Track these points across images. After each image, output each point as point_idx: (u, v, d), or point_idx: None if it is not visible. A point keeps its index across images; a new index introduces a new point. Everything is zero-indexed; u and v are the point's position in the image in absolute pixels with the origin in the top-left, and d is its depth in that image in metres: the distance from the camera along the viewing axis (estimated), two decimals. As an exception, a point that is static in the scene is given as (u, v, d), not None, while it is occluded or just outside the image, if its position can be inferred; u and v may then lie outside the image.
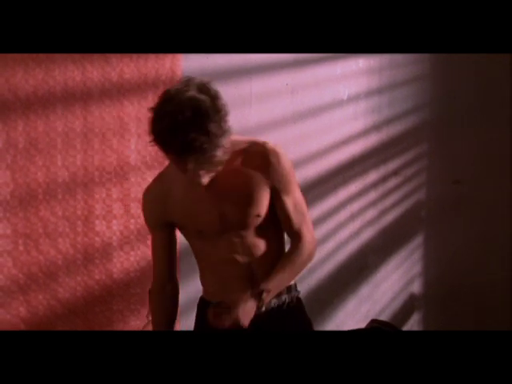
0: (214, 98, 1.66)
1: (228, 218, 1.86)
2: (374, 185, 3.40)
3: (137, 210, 2.60)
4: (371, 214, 3.39)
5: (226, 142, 1.68)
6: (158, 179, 2.00)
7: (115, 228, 2.58)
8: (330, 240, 3.22)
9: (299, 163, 2.97)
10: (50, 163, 2.44)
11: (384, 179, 3.43)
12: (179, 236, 2.02)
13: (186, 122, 1.61)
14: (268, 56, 2.86)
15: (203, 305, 2.02)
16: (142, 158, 2.61)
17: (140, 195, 2.60)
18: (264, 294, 1.82)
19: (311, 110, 3.11)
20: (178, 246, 2.04)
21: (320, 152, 3.15)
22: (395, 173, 3.47)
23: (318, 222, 3.07)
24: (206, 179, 1.75)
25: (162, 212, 1.94)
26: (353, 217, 3.33)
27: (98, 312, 2.56)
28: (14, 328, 2.38)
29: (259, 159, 1.85)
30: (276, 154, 1.85)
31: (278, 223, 1.93)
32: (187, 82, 1.68)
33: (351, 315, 3.33)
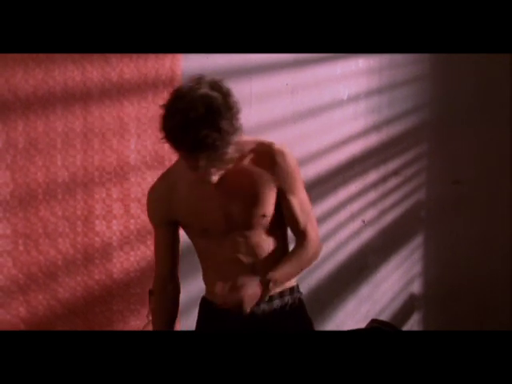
0: (226, 95, 1.67)
1: (234, 217, 1.86)
2: (374, 185, 3.40)
3: (137, 210, 2.60)
4: (371, 213, 3.39)
5: (237, 139, 1.69)
6: (164, 177, 1.99)
7: (115, 228, 2.58)
8: (330, 240, 3.21)
9: (299, 163, 2.95)
10: (49, 163, 2.44)
11: (384, 179, 3.43)
12: (180, 235, 2.02)
13: (198, 118, 1.62)
14: (268, 56, 2.86)
15: (205, 305, 2.02)
16: (142, 157, 2.61)
17: (140, 195, 2.62)
18: (271, 284, 1.81)
19: (311, 110, 3.11)
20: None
21: (320, 152, 3.15)
22: (395, 173, 3.47)
23: (318, 222, 3.05)
24: (215, 177, 1.76)
25: (166, 210, 1.93)
26: (353, 217, 3.33)
27: (97, 312, 2.56)
28: (14, 328, 2.38)
29: (266, 159, 1.86)
30: (283, 154, 1.87)
31: (283, 224, 1.94)
32: (199, 79, 1.69)
33: (351, 315, 3.32)
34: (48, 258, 2.45)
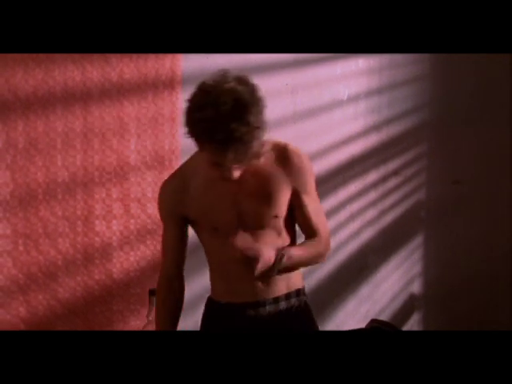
0: (253, 90, 1.69)
1: (246, 216, 1.85)
2: (374, 185, 3.40)
3: (137, 210, 2.61)
4: (371, 213, 3.39)
5: (263, 134, 1.69)
6: (178, 172, 1.98)
7: (115, 228, 2.58)
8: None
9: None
10: (49, 163, 2.44)
11: (384, 179, 3.43)
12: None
13: (227, 112, 1.62)
14: (268, 56, 2.86)
15: (211, 305, 2.01)
16: (141, 158, 2.61)
17: (140, 195, 2.62)
18: (284, 258, 1.79)
19: (311, 109, 3.11)
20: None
21: (320, 152, 3.15)
22: (395, 173, 3.47)
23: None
24: (237, 173, 1.75)
25: (178, 205, 1.92)
26: (353, 217, 3.33)
27: (97, 312, 2.56)
28: (14, 328, 2.37)
29: (281, 159, 1.87)
30: (298, 155, 1.88)
31: (293, 226, 1.94)
32: (224, 74, 1.70)
33: (351, 315, 3.32)
34: (48, 258, 2.45)
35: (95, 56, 2.48)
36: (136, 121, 2.59)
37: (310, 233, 1.92)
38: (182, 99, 2.66)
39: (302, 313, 1.97)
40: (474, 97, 3.65)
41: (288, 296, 1.93)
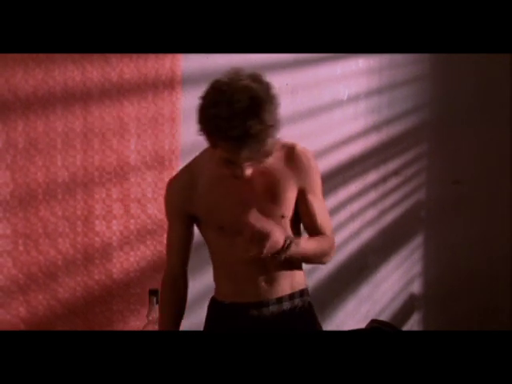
0: (268, 87, 1.69)
1: None
2: (374, 185, 3.39)
3: (137, 210, 2.60)
4: (371, 213, 3.39)
5: (276, 132, 1.70)
6: (186, 170, 1.97)
7: (115, 228, 2.58)
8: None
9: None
10: (49, 163, 2.45)
11: (384, 179, 3.42)
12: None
13: (242, 110, 1.62)
14: (268, 56, 2.85)
15: (215, 305, 2.00)
16: (141, 158, 2.61)
17: (140, 195, 2.62)
18: (293, 244, 1.77)
19: (311, 109, 3.11)
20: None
21: (320, 152, 3.15)
22: (395, 173, 3.47)
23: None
24: (249, 171, 1.75)
25: (185, 203, 1.91)
26: (353, 217, 3.33)
27: (97, 312, 2.56)
28: (14, 328, 2.38)
29: (289, 160, 1.88)
30: (306, 156, 1.89)
31: (298, 227, 1.94)
32: (237, 72, 1.70)
33: (351, 315, 3.32)
34: (48, 258, 2.45)
35: (95, 56, 2.48)
36: (136, 121, 2.59)
37: (316, 233, 1.92)
38: (182, 99, 2.66)
39: (305, 313, 1.96)
40: (474, 97, 3.65)
41: (292, 296, 1.93)
